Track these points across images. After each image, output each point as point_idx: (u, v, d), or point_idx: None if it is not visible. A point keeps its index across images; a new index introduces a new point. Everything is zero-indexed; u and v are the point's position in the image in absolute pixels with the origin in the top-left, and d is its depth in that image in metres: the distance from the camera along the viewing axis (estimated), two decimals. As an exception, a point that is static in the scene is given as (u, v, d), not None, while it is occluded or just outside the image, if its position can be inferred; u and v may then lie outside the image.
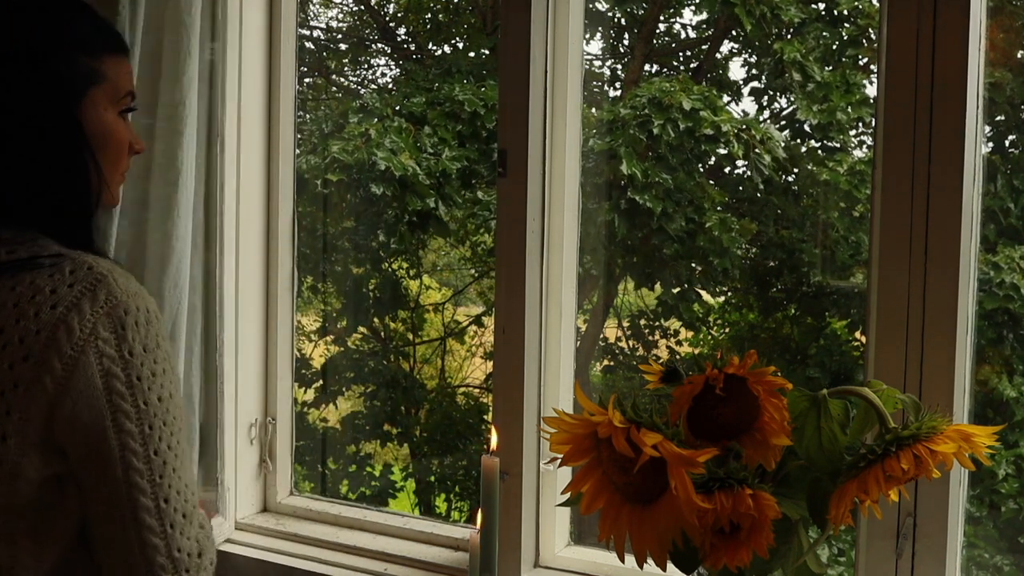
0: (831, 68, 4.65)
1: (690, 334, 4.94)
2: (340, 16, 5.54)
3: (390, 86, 5.51)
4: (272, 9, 2.17)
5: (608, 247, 4.66)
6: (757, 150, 4.50)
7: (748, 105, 4.97)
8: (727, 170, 4.74)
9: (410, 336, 5.29)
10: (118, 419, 1.11)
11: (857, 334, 4.44)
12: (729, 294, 4.91)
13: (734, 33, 4.92)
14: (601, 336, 5.01)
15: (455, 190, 4.69)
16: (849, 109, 4.56)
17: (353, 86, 5.65)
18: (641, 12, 5.25)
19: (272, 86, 2.18)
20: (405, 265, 5.16)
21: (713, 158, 4.65)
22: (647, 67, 5.22)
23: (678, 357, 4.87)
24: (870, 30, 4.59)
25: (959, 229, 1.51)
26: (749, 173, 4.57)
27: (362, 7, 5.62)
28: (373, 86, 5.63)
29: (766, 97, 4.94)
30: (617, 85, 5.25)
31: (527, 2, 1.82)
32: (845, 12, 4.69)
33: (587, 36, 4.90)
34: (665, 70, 5.29)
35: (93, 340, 1.11)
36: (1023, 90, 4.13)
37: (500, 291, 1.87)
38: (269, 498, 2.22)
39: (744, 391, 1.16)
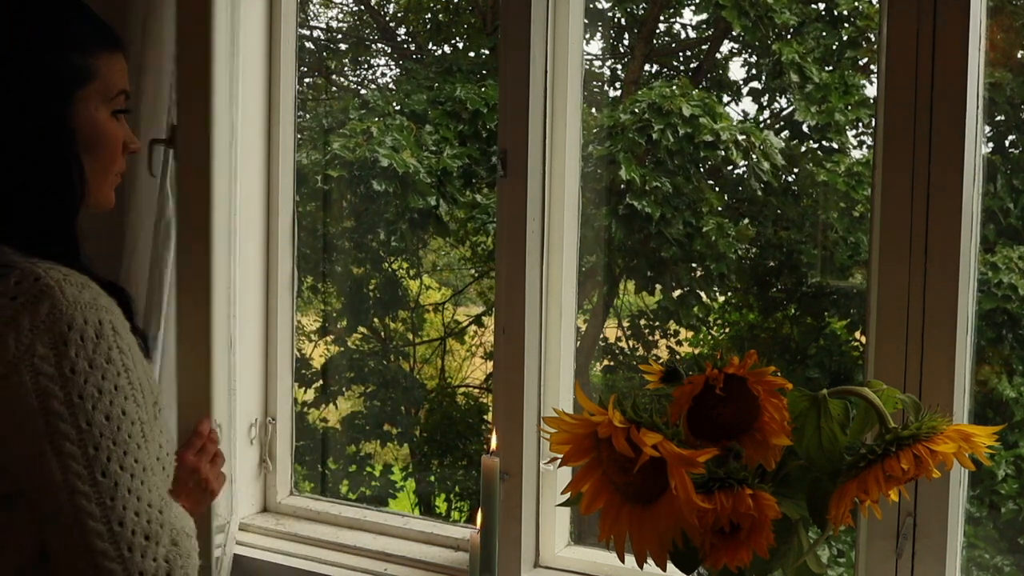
0: (830, 69, 4.66)
1: (690, 334, 4.95)
2: (340, 16, 5.55)
3: (390, 86, 5.52)
4: (272, 9, 2.17)
5: (608, 250, 4.66)
6: (755, 155, 4.51)
7: (748, 105, 4.98)
8: (727, 170, 4.74)
9: (410, 336, 5.29)
10: (56, 441, 1.05)
11: (857, 334, 4.45)
12: (729, 294, 4.92)
13: (734, 33, 4.92)
14: (601, 336, 5.01)
15: (456, 189, 4.70)
16: (848, 110, 4.56)
17: (353, 86, 5.65)
18: (641, 12, 5.25)
19: (272, 86, 2.18)
20: (405, 265, 5.16)
21: (712, 161, 4.66)
22: (647, 67, 5.22)
23: (678, 357, 4.88)
24: (869, 31, 4.59)
25: (959, 229, 1.51)
26: (748, 177, 4.58)
27: (362, 7, 5.62)
28: (373, 86, 5.64)
29: (765, 97, 4.94)
30: (617, 85, 5.25)
31: (527, 2, 1.82)
32: (845, 12, 4.69)
33: (587, 36, 4.90)
34: (665, 70, 5.29)
35: (28, 358, 1.05)
36: (1023, 90, 4.13)
37: (500, 291, 1.87)
38: (269, 498, 2.22)
39: (744, 391, 1.16)
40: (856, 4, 4.64)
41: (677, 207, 4.49)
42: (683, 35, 5.32)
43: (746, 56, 5.01)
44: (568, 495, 1.22)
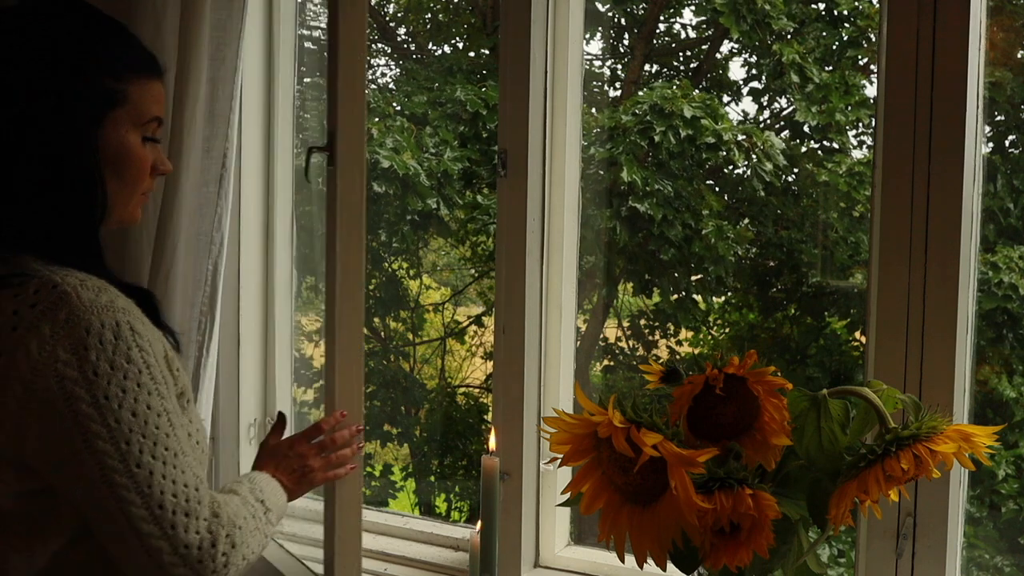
0: (831, 69, 4.66)
1: (690, 334, 4.95)
2: (340, 16, 5.54)
3: (390, 86, 5.52)
4: (271, 9, 2.17)
5: (608, 252, 4.66)
6: (756, 155, 4.51)
7: (748, 105, 4.98)
8: (728, 170, 4.74)
9: (410, 336, 5.29)
10: (89, 441, 1.11)
11: (857, 334, 4.45)
12: (729, 294, 4.92)
13: (734, 36, 4.93)
14: (601, 336, 5.01)
15: (456, 191, 4.70)
16: (848, 110, 4.56)
17: (353, 86, 5.65)
18: (641, 12, 5.25)
19: (272, 86, 2.18)
20: (405, 265, 5.17)
21: (713, 162, 4.66)
22: (647, 67, 5.22)
23: (678, 357, 4.88)
24: (870, 31, 4.59)
25: (959, 229, 1.51)
26: (749, 174, 4.58)
27: (362, 7, 5.62)
28: (373, 86, 5.63)
29: (765, 98, 4.94)
30: (617, 85, 5.25)
31: (527, 2, 1.82)
32: (845, 12, 4.70)
33: (587, 36, 4.90)
34: (665, 70, 5.29)
35: (52, 363, 1.10)
36: (1023, 90, 4.13)
37: (500, 291, 1.87)
38: (269, 498, 2.22)
39: (744, 391, 1.16)
40: (856, 4, 4.65)
41: (678, 209, 4.50)
42: (683, 35, 5.33)
43: (746, 56, 5.01)
44: (568, 495, 1.22)
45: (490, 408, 4.22)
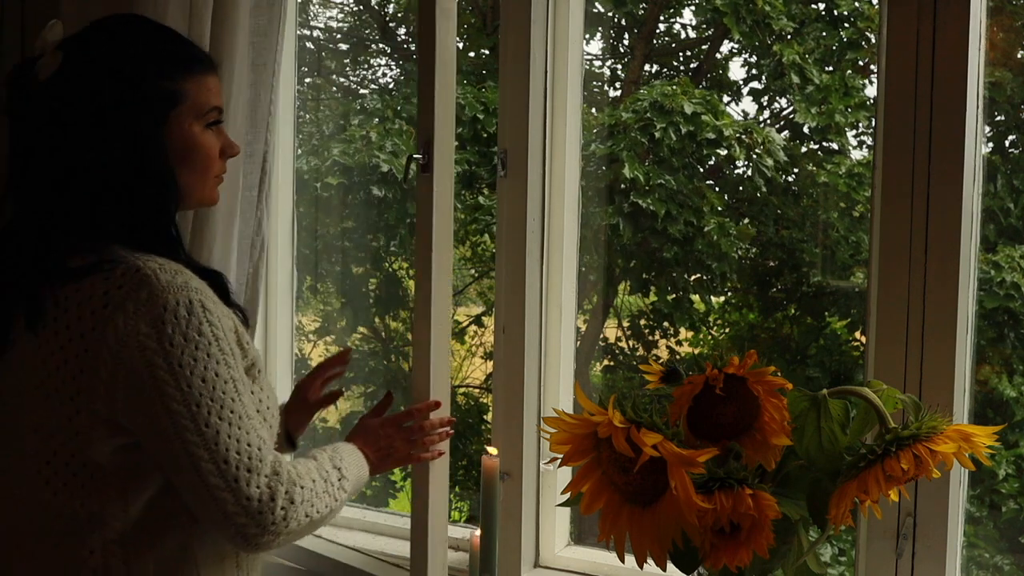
0: (831, 69, 4.66)
1: (690, 334, 4.95)
2: (340, 16, 5.55)
3: (390, 86, 5.52)
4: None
5: (608, 250, 4.66)
6: (758, 152, 4.51)
7: (748, 105, 4.98)
8: (727, 170, 4.74)
9: (410, 336, 5.29)
10: (166, 403, 1.26)
11: (857, 334, 4.45)
12: (729, 294, 4.92)
13: (734, 37, 4.93)
14: (601, 336, 5.01)
15: (454, 193, 4.70)
16: (848, 111, 4.56)
17: (353, 86, 5.65)
18: (641, 12, 5.25)
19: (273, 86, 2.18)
20: (405, 265, 5.16)
21: (714, 159, 4.66)
22: (647, 67, 5.22)
23: (678, 357, 4.88)
24: (869, 32, 4.59)
25: (959, 229, 1.51)
26: (750, 174, 4.58)
27: (362, 7, 5.62)
28: (373, 86, 5.64)
29: (765, 98, 4.94)
30: (617, 85, 5.25)
31: (527, 2, 1.82)
32: (845, 13, 4.70)
33: (587, 36, 4.90)
34: (665, 70, 5.29)
35: (135, 336, 1.26)
36: (1023, 90, 4.13)
37: (500, 291, 1.87)
38: (269, 498, 2.22)
39: (744, 391, 1.16)
40: (856, 5, 4.65)
41: (682, 205, 4.50)
42: (683, 35, 5.33)
43: (746, 56, 5.01)
44: (568, 495, 1.22)
45: (490, 408, 4.22)
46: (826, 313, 4.58)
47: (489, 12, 5.33)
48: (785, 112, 4.95)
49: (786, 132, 4.82)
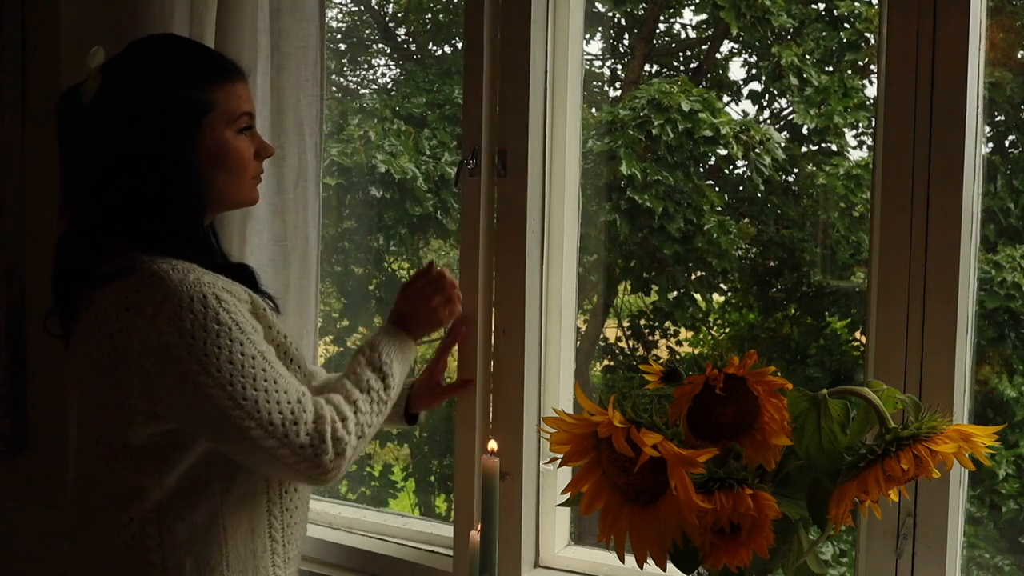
0: (830, 70, 4.65)
1: (690, 334, 4.94)
2: (340, 16, 5.54)
3: (390, 87, 5.51)
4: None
5: (609, 249, 4.65)
6: (757, 151, 4.50)
7: (748, 106, 4.98)
8: (727, 170, 4.74)
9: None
10: (200, 390, 1.36)
11: (857, 334, 4.44)
12: (729, 294, 4.91)
13: (734, 33, 4.92)
14: (601, 336, 5.01)
15: (452, 195, 4.69)
16: (847, 112, 4.56)
17: (353, 86, 5.65)
18: (641, 12, 5.25)
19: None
20: (406, 265, 5.16)
21: (713, 158, 4.65)
22: (647, 67, 5.22)
23: (678, 357, 4.88)
24: (868, 33, 4.59)
25: (959, 229, 1.51)
26: (749, 174, 4.58)
27: (362, 7, 5.61)
28: (373, 86, 5.63)
29: (765, 98, 4.94)
30: (617, 85, 5.25)
31: (527, 2, 1.82)
32: (844, 14, 4.69)
33: (587, 36, 4.89)
34: (665, 70, 5.29)
35: (157, 335, 1.36)
36: (1023, 90, 4.13)
37: (500, 291, 1.87)
38: (269, 498, 2.22)
39: (744, 391, 1.17)
40: (855, 5, 4.64)
41: (679, 203, 4.49)
42: (683, 35, 5.32)
43: (746, 56, 5.01)
44: (568, 495, 1.22)
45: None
46: (826, 313, 4.58)
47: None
48: (784, 113, 4.95)
49: (785, 133, 4.82)
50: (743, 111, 4.95)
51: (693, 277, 4.70)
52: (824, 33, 4.72)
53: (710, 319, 4.94)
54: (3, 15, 2.47)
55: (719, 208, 4.61)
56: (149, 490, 1.43)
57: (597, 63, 5.21)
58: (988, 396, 3.95)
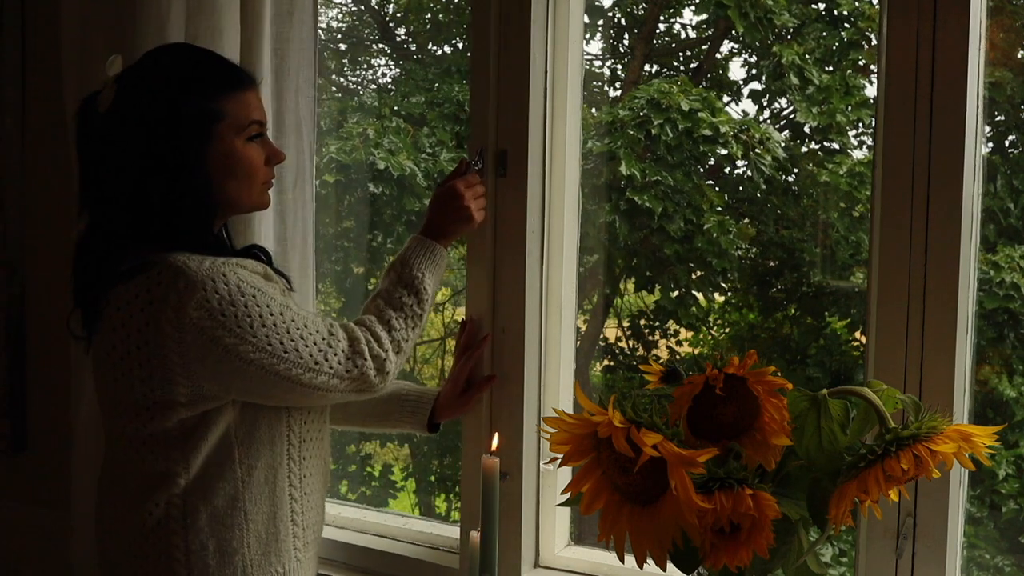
0: (831, 69, 4.65)
1: (690, 334, 4.94)
2: (340, 16, 5.53)
3: (389, 86, 5.51)
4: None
5: (609, 248, 4.65)
6: (757, 150, 4.50)
7: (748, 106, 4.97)
8: (727, 170, 4.74)
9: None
10: (243, 357, 1.46)
11: (857, 334, 4.44)
12: (729, 294, 4.91)
13: (734, 33, 4.92)
14: (601, 336, 5.01)
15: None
16: (849, 111, 4.56)
17: (352, 86, 5.64)
18: (641, 12, 5.25)
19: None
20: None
21: (712, 158, 4.65)
22: (647, 67, 5.22)
23: (678, 357, 4.87)
24: (870, 31, 4.59)
25: (959, 229, 1.51)
26: (749, 173, 4.57)
27: (362, 7, 5.61)
28: (373, 86, 5.63)
29: (766, 98, 4.94)
30: (617, 85, 5.25)
31: (527, 2, 1.82)
32: (845, 13, 4.69)
33: (587, 36, 4.89)
34: (665, 70, 5.29)
35: (189, 321, 1.44)
36: (1023, 90, 4.13)
37: (500, 291, 1.87)
38: (269, 498, 2.22)
39: (744, 391, 1.17)
40: (856, 4, 4.64)
41: (678, 203, 4.49)
42: (683, 35, 5.32)
43: (746, 56, 5.01)
44: (568, 495, 1.22)
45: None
46: (826, 313, 4.58)
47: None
48: (785, 112, 4.95)
49: (786, 132, 4.81)
50: (743, 111, 4.94)
51: (694, 277, 4.69)
52: (825, 33, 4.72)
53: (710, 319, 4.94)
54: (3, 15, 2.47)
55: (719, 208, 4.60)
56: (175, 475, 1.50)
57: (597, 63, 5.21)
58: (988, 396, 3.95)
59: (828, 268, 4.60)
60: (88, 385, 2.09)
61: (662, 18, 5.26)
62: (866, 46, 4.60)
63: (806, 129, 4.73)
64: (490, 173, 1.84)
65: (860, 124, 4.64)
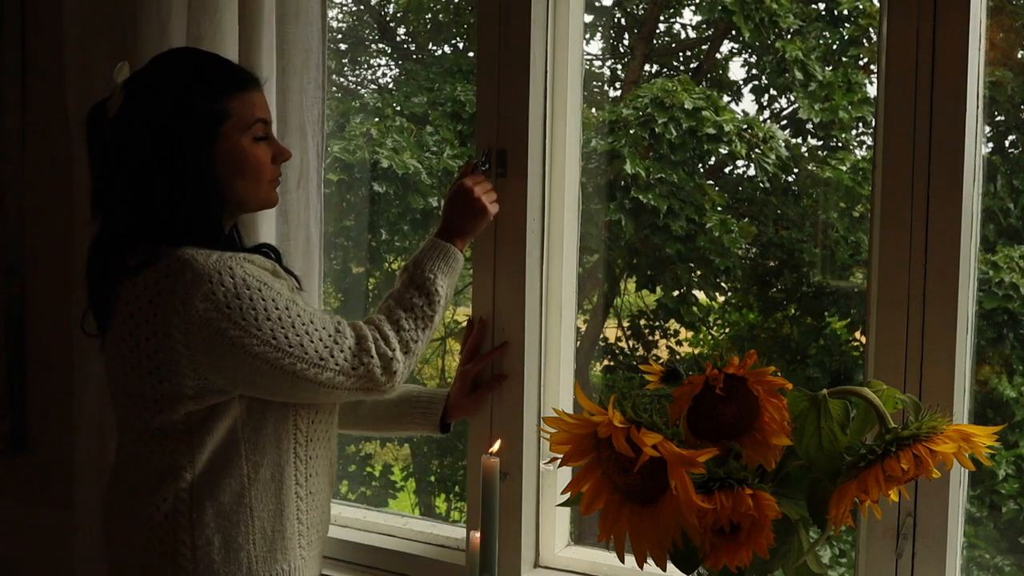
0: (832, 68, 4.65)
1: (690, 334, 4.94)
2: (340, 16, 5.54)
3: (390, 86, 5.51)
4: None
5: (610, 247, 4.65)
6: (760, 148, 4.50)
7: (748, 106, 4.97)
8: (727, 170, 4.74)
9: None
10: (248, 350, 1.47)
11: (857, 334, 4.44)
12: (729, 294, 4.91)
13: (734, 33, 4.92)
14: (601, 336, 5.01)
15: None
16: (851, 108, 4.55)
17: (353, 86, 5.64)
18: (641, 12, 5.25)
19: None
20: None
21: (714, 158, 4.65)
22: (647, 67, 5.22)
23: (678, 357, 4.87)
24: (871, 30, 4.59)
25: (959, 229, 1.51)
26: (752, 172, 4.57)
27: (362, 7, 5.61)
28: (373, 86, 5.63)
29: (767, 96, 4.93)
30: (617, 85, 5.25)
31: (527, 2, 1.83)
32: (845, 12, 4.69)
33: (587, 36, 4.89)
34: (665, 70, 5.29)
35: (195, 313, 1.45)
36: (1023, 90, 4.13)
37: (500, 291, 1.87)
38: (269, 498, 2.22)
39: (744, 391, 1.17)
40: (857, 3, 4.64)
41: (683, 201, 4.49)
42: (683, 35, 5.32)
43: (746, 56, 5.01)
44: (568, 495, 1.22)
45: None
46: (826, 313, 4.58)
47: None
48: (786, 112, 4.95)
49: (788, 131, 4.81)
50: (743, 111, 4.94)
51: (695, 277, 4.69)
52: (826, 33, 4.72)
53: (710, 319, 4.94)
54: (3, 15, 2.47)
55: (720, 207, 4.60)
56: (181, 469, 1.52)
57: (597, 63, 5.21)
58: (988, 396, 3.95)
59: (828, 268, 4.60)
60: (89, 385, 2.09)
61: (662, 18, 5.26)
62: (866, 43, 4.60)
63: (808, 126, 4.72)
64: (492, 173, 1.84)
65: (861, 124, 4.63)
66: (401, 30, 5.79)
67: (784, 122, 4.92)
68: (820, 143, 4.75)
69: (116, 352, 1.54)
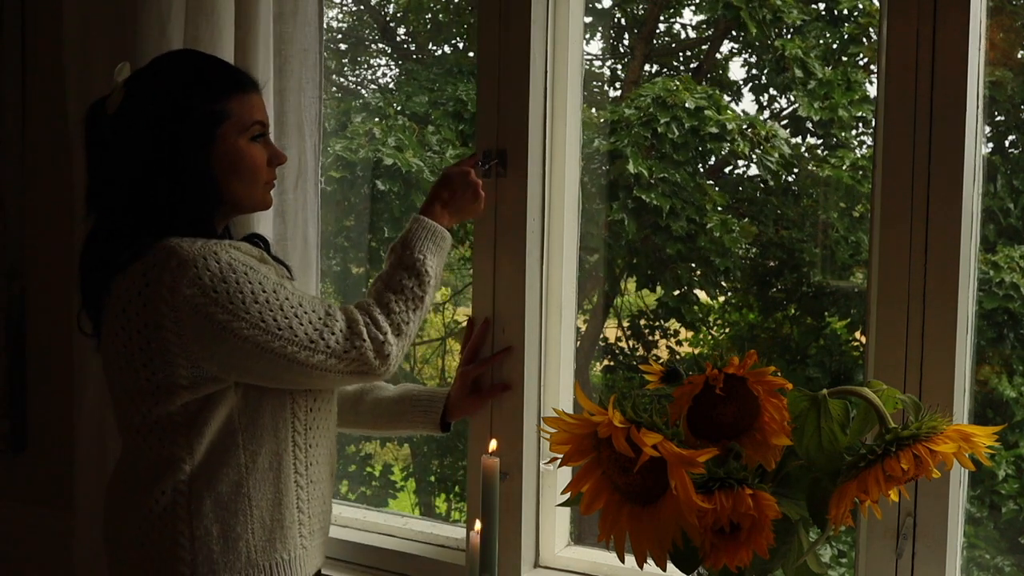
0: (831, 67, 4.65)
1: (690, 334, 4.94)
2: (340, 16, 5.54)
3: (391, 86, 5.51)
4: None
5: (611, 247, 4.65)
6: (762, 147, 4.50)
7: (748, 105, 4.97)
8: (728, 170, 4.73)
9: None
10: (238, 333, 1.47)
11: (857, 334, 4.44)
12: (729, 294, 4.91)
13: (734, 33, 4.92)
14: (601, 336, 5.01)
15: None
16: (850, 107, 4.55)
17: (353, 86, 5.64)
18: (641, 12, 5.25)
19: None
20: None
21: (715, 158, 4.65)
22: (647, 67, 5.22)
23: (678, 357, 4.87)
24: (871, 29, 4.58)
25: (959, 229, 1.51)
26: (753, 172, 4.57)
27: (362, 7, 5.61)
28: (373, 86, 5.63)
29: (767, 96, 4.93)
30: (617, 85, 5.25)
31: (527, 2, 1.82)
32: (845, 11, 4.69)
33: (587, 36, 4.89)
34: (665, 70, 5.29)
35: (182, 299, 1.46)
36: (1023, 90, 4.13)
37: (500, 291, 1.87)
38: (269, 498, 2.22)
39: (744, 391, 1.17)
40: (857, 2, 4.64)
41: (685, 201, 4.49)
42: (683, 35, 5.32)
43: (746, 56, 5.01)
44: (568, 495, 1.22)
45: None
46: (826, 313, 4.58)
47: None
48: (787, 111, 4.95)
49: (788, 130, 4.81)
50: (743, 111, 4.94)
51: (695, 276, 4.69)
52: (826, 32, 4.72)
53: (710, 319, 4.94)
54: (3, 15, 2.47)
55: (720, 207, 4.60)
56: (180, 460, 1.52)
57: (597, 63, 5.21)
58: (988, 396, 3.95)
59: (828, 268, 4.60)
60: (89, 385, 2.09)
61: (662, 18, 5.27)
62: (866, 42, 4.60)
63: (808, 124, 4.72)
64: (491, 175, 1.84)
65: (860, 123, 4.63)
66: (401, 30, 5.79)
67: (784, 122, 4.92)
68: (820, 141, 4.75)
69: (111, 348, 1.55)
